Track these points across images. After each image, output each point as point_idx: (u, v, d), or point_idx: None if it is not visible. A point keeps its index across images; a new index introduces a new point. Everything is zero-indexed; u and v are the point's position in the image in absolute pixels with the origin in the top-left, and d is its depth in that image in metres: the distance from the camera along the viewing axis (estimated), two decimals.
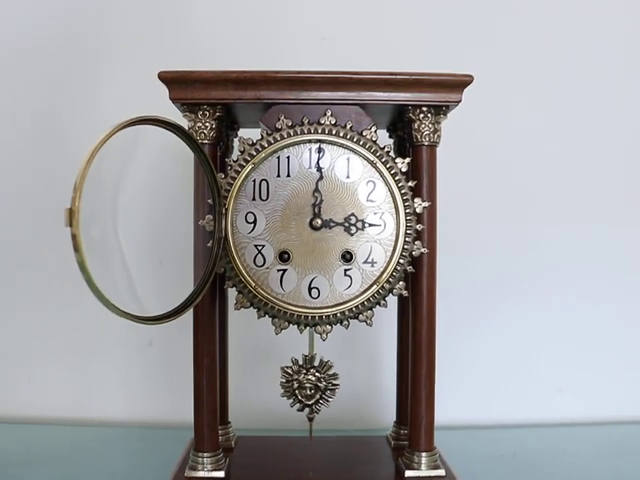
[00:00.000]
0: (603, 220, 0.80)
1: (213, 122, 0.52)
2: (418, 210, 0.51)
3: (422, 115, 0.52)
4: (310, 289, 0.51)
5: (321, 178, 0.51)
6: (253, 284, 0.51)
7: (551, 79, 0.80)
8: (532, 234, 0.80)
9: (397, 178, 0.51)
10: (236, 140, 0.58)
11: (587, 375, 0.79)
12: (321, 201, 0.51)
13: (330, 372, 0.53)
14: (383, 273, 0.51)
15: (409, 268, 0.51)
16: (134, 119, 0.44)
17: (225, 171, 0.52)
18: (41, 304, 0.80)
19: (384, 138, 0.59)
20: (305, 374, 0.52)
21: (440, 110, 0.52)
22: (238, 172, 0.51)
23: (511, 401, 0.79)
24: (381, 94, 0.51)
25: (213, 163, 0.51)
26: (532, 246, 0.80)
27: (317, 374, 0.52)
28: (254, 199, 0.51)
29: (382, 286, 0.51)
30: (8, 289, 0.80)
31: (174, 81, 0.51)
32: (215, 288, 0.52)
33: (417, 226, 0.51)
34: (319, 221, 0.50)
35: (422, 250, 0.51)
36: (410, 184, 0.51)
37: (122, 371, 0.80)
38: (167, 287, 0.74)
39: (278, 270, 0.51)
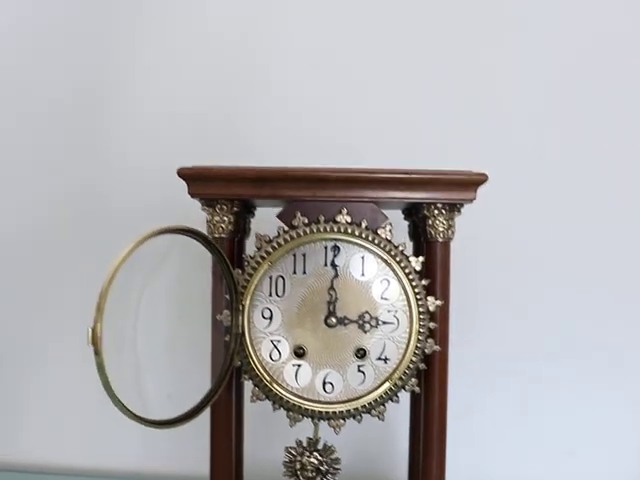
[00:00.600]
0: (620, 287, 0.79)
1: (231, 216, 0.53)
2: (431, 308, 0.52)
3: (436, 212, 0.53)
4: (324, 384, 0.52)
5: (336, 276, 0.52)
6: (269, 379, 0.52)
7: (562, 173, 0.78)
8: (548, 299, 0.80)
9: (411, 277, 0.51)
10: (253, 221, 0.59)
11: (601, 437, 0.80)
12: (336, 299, 0.52)
13: (333, 456, 0.54)
14: (396, 370, 0.52)
15: (421, 365, 0.52)
16: (153, 232, 0.45)
17: (242, 264, 0.53)
18: (57, 350, 0.81)
19: (398, 220, 0.60)
20: (308, 457, 0.53)
21: (454, 207, 0.53)
22: (255, 269, 0.52)
23: (518, 463, 0.79)
24: (396, 193, 0.52)
25: (229, 255, 0.52)
26: (542, 311, 0.80)
27: (320, 457, 0.53)
28: (270, 295, 0.52)
29: (395, 383, 0.52)
30: (22, 331, 0.81)
31: (192, 178, 0.52)
32: (231, 380, 0.53)
33: (430, 324, 0.52)
34: (334, 320, 0.51)
35: (435, 348, 0.52)
36: (424, 282, 0.52)
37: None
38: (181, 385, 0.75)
39: (293, 365, 0.52)
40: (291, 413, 0.52)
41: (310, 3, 0.80)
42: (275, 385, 0.52)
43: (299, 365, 0.52)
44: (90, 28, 0.81)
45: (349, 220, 0.52)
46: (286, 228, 0.52)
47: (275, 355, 0.52)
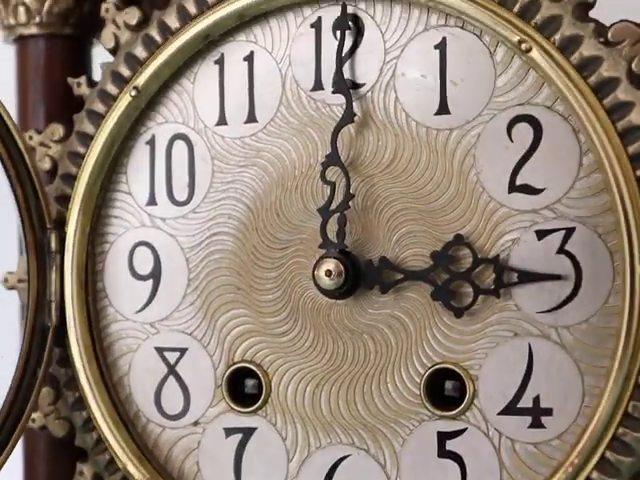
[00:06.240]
0: None
1: None
2: None
3: None
4: None
5: (351, 120, 0.14)
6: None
7: None
8: None
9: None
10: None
11: None
12: (349, 198, 0.14)
13: None
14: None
15: None
16: None
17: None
18: None
19: None
20: None
21: None
22: (101, 117, 0.16)
23: None
24: None
25: (49, 85, 0.20)
26: None
27: None
28: (153, 202, 0.16)
29: None
30: None
31: None
32: None
33: None
34: (331, 268, 0.14)
35: None
36: None
37: None
38: None
39: (227, 432, 0.16)
40: None
41: None
42: None
43: (248, 432, 0.15)
44: None
45: None
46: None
47: (172, 398, 0.16)
